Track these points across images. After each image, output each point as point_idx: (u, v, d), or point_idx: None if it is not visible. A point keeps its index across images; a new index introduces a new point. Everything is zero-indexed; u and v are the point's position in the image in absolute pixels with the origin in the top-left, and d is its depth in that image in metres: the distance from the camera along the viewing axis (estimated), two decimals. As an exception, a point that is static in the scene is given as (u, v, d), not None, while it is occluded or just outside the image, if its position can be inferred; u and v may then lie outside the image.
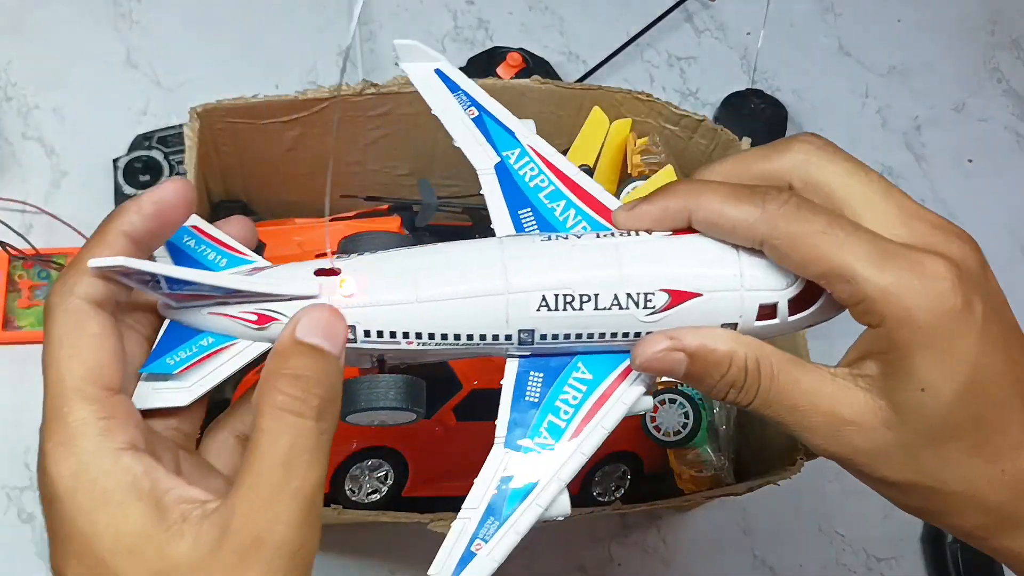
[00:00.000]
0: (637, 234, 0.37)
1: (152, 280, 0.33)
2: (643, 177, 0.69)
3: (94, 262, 0.31)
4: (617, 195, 0.70)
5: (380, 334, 0.35)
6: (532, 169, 0.40)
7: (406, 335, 0.35)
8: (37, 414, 0.79)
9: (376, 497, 0.62)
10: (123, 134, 0.82)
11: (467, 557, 0.33)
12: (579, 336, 0.36)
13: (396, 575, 0.74)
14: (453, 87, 0.42)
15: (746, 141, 0.70)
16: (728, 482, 0.68)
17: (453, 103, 0.42)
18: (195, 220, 0.37)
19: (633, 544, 0.78)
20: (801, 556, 0.80)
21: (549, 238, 0.37)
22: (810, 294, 0.37)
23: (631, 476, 0.71)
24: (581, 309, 0.35)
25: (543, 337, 0.36)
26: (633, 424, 0.70)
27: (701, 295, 0.35)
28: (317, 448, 0.31)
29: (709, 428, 0.69)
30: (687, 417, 0.68)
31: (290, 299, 0.34)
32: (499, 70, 0.86)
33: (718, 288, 0.36)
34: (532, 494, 0.35)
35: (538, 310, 0.35)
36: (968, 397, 0.34)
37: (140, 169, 0.79)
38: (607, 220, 0.39)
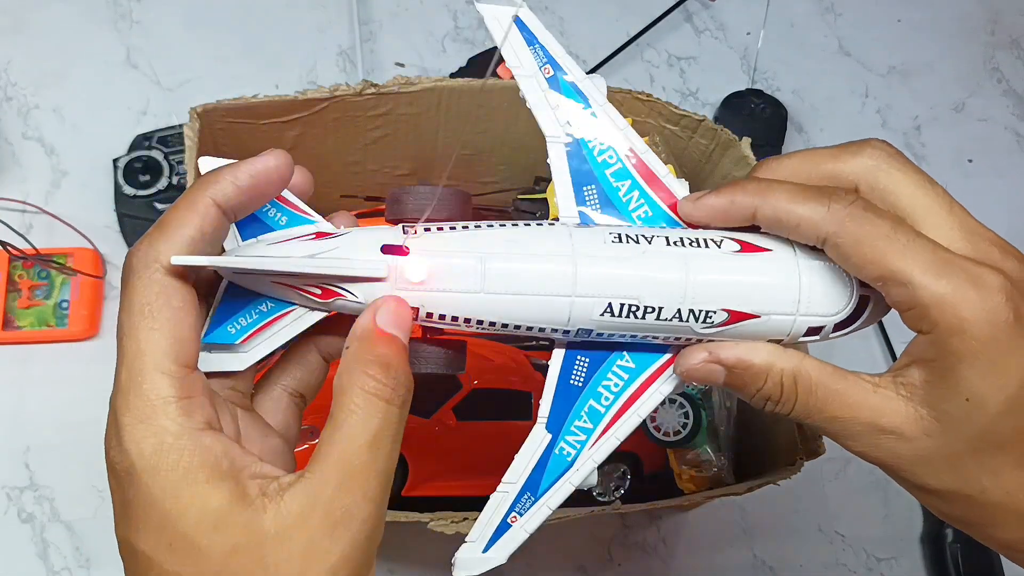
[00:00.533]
0: (707, 245, 0.37)
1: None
2: (643, 177, 0.69)
3: (176, 259, 0.31)
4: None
5: (442, 317, 0.35)
6: (602, 144, 0.39)
7: (467, 321, 0.35)
8: (37, 414, 0.80)
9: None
10: (123, 134, 0.82)
11: (503, 528, 0.34)
12: (633, 336, 0.37)
13: (396, 575, 0.74)
14: (531, 39, 0.39)
15: (746, 141, 0.70)
16: (728, 482, 0.68)
17: (529, 58, 0.39)
18: None
19: (633, 544, 0.78)
20: (801, 556, 0.80)
21: (619, 238, 0.36)
22: (855, 315, 0.38)
23: (631, 476, 0.71)
24: (643, 319, 0.36)
25: (599, 335, 0.37)
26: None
27: (759, 317, 0.36)
28: (398, 434, 0.33)
29: (709, 428, 0.69)
30: (687, 417, 0.68)
31: (359, 280, 0.34)
32: (499, 70, 0.86)
33: (776, 312, 0.36)
34: (567, 473, 0.36)
35: (601, 315, 0.35)
36: (1014, 411, 0.34)
37: (140, 169, 0.79)
38: (668, 205, 0.38)
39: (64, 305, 0.77)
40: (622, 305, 0.35)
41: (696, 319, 0.36)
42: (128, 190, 0.78)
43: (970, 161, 0.97)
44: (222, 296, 0.35)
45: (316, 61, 0.91)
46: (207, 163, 0.36)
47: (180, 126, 0.80)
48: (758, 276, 0.36)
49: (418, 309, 0.35)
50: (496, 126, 0.70)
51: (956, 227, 0.36)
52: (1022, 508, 0.36)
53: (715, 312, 0.36)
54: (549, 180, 0.71)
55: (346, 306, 0.35)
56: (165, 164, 0.79)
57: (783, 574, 0.80)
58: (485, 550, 0.34)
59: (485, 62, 0.88)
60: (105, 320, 0.79)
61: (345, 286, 0.34)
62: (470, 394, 0.64)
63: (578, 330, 0.36)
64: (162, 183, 0.78)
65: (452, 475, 0.65)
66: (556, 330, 0.36)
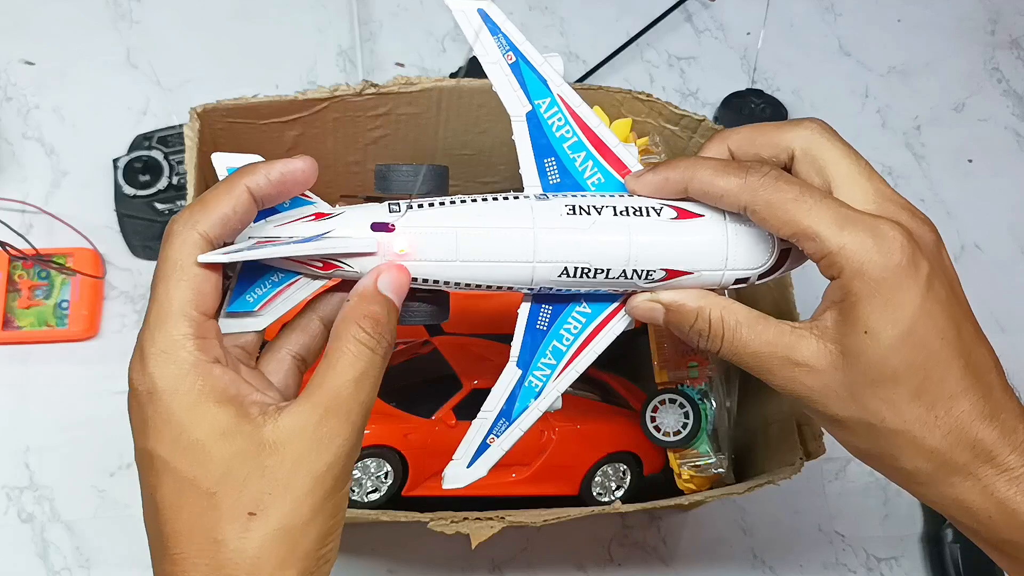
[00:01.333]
0: (647, 214, 0.43)
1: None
2: (643, 177, 0.69)
3: (203, 258, 0.37)
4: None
5: (426, 280, 0.42)
6: (560, 119, 0.44)
7: (447, 283, 0.42)
8: (37, 414, 0.80)
9: (376, 496, 0.62)
10: (123, 134, 0.82)
11: (483, 448, 0.41)
12: (586, 293, 0.44)
13: (395, 574, 0.74)
14: (494, 29, 0.44)
15: (746, 141, 0.70)
16: (728, 482, 0.68)
17: (493, 46, 0.44)
18: (259, 160, 0.42)
19: (633, 544, 0.78)
20: (801, 556, 0.81)
21: (573, 210, 0.42)
22: (777, 265, 0.44)
23: (631, 476, 0.71)
24: (594, 278, 0.42)
25: (559, 290, 0.43)
26: (633, 424, 0.70)
27: (692, 273, 0.43)
28: (378, 378, 0.39)
29: (709, 428, 0.69)
30: (687, 417, 0.68)
31: (353, 256, 0.40)
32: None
33: (706, 268, 0.43)
34: (536, 401, 0.43)
35: (559, 277, 0.42)
36: (907, 344, 0.39)
37: (140, 169, 0.79)
38: (619, 172, 0.45)
39: (64, 305, 0.77)
40: (576, 268, 0.42)
41: (639, 277, 0.42)
42: (128, 190, 0.78)
43: (970, 161, 0.97)
44: (239, 272, 0.41)
45: (316, 61, 0.91)
46: (220, 159, 0.41)
47: (180, 126, 0.80)
48: (691, 239, 0.43)
49: None
50: (496, 126, 0.70)
51: (871, 192, 0.42)
52: (918, 437, 0.40)
53: (655, 271, 0.42)
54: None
55: (345, 274, 0.41)
56: (165, 164, 0.79)
57: (783, 574, 0.80)
58: (468, 466, 0.41)
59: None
60: (105, 320, 0.79)
61: (342, 259, 0.41)
62: (470, 394, 0.64)
63: (540, 288, 0.43)
64: (162, 183, 0.78)
65: (452, 475, 0.65)
66: (522, 288, 0.43)
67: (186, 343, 0.37)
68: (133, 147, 0.80)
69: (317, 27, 0.92)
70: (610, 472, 0.70)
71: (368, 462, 0.61)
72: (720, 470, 0.68)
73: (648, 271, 0.42)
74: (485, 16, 0.44)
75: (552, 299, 0.44)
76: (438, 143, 0.71)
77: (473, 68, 0.88)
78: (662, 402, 0.69)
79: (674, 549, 0.79)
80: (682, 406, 0.68)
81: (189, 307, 0.38)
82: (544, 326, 0.44)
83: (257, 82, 0.87)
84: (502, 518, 0.59)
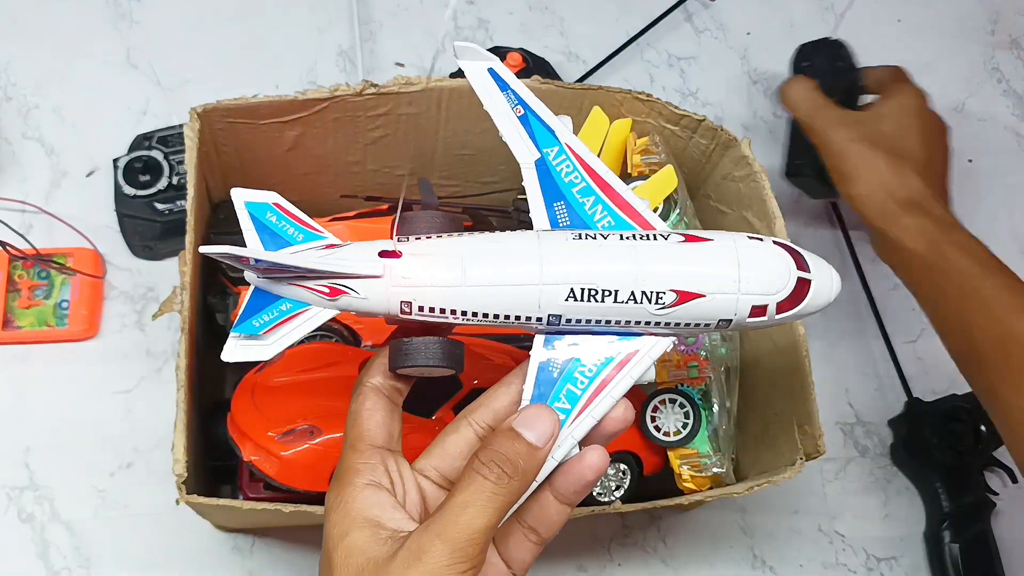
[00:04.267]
0: (655, 239, 0.43)
1: (246, 260, 0.40)
2: (643, 177, 0.69)
3: (202, 249, 0.39)
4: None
5: (432, 310, 0.41)
6: (568, 166, 0.45)
7: (453, 312, 0.41)
8: (37, 414, 0.80)
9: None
10: (123, 134, 0.82)
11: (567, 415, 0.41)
12: (598, 321, 0.42)
13: (396, 575, 0.74)
14: (503, 86, 0.46)
15: (746, 142, 0.70)
16: (728, 482, 0.68)
17: (502, 100, 0.46)
18: (275, 198, 0.44)
19: (633, 544, 0.78)
20: (801, 556, 0.81)
21: (580, 236, 0.42)
22: (796, 296, 0.43)
23: (631, 476, 0.71)
24: (602, 301, 0.41)
25: (568, 320, 0.42)
26: (633, 424, 0.70)
27: (704, 296, 0.42)
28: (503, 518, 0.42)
29: (709, 428, 0.69)
30: (687, 417, 0.68)
31: (359, 277, 0.41)
32: (499, 70, 0.86)
33: (719, 291, 0.42)
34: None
35: (566, 300, 0.41)
36: (898, 122, 0.75)
37: (140, 169, 0.79)
38: (630, 216, 0.45)
39: (64, 305, 0.77)
40: (583, 290, 0.41)
41: (649, 300, 0.41)
42: (128, 190, 0.78)
43: (970, 161, 0.97)
44: (249, 297, 0.42)
45: (316, 61, 0.91)
46: (238, 194, 0.44)
47: (180, 126, 0.80)
48: (701, 260, 0.42)
49: (411, 303, 0.41)
50: (496, 126, 0.70)
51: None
52: (872, 174, 0.72)
53: (665, 293, 0.41)
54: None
55: (351, 304, 0.41)
56: (165, 164, 0.79)
57: (783, 574, 0.80)
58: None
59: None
60: (105, 320, 0.79)
61: (348, 284, 0.41)
62: (470, 394, 0.64)
63: (549, 316, 0.42)
64: (162, 183, 0.78)
65: (452, 475, 0.65)
66: (531, 318, 0.42)
67: (349, 469, 0.43)
68: (133, 147, 0.80)
69: (317, 27, 0.92)
70: (610, 472, 0.70)
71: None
72: (720, 470, 0.68)
73: (658, 293, 0.41)
74: (495, 75, 0.46)
75: (565, 334, 0.43)
76: (438, 143, 0.71)
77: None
78: (662, 402, 0.69)
79: (674, 549, 0.79)
80: (682, 406, 0.68)
81: (357, 441, 0.44)
82: (556, 373, 0.42)
83: (257, 82, 0.87)
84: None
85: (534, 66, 0.87)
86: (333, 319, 0.42)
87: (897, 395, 0.86)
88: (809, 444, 0.64)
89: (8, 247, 0.75)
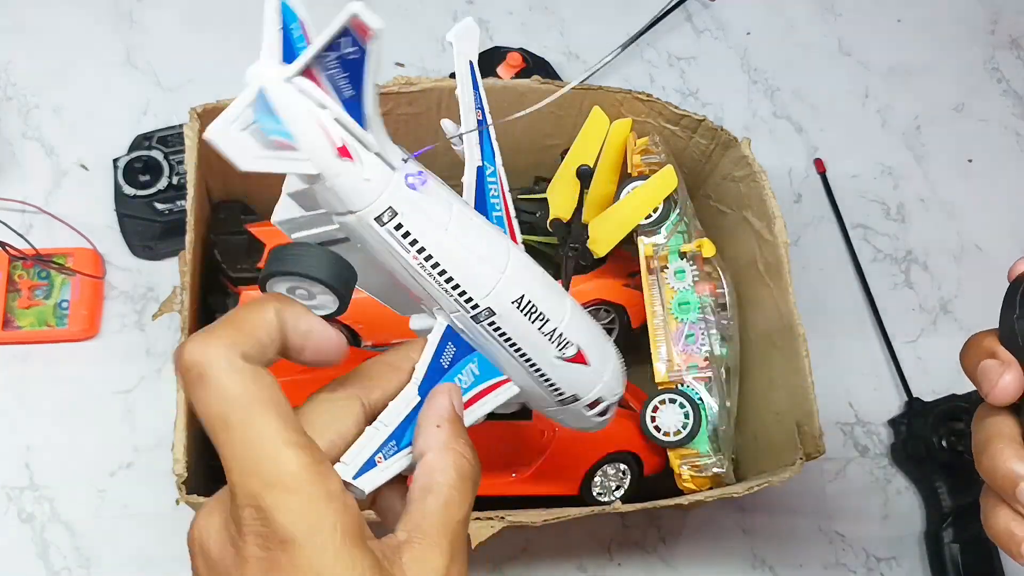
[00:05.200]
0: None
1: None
2: (643, 177, 0.69)
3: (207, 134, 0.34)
4: (617, 195, 0.70)
5: (405, 234, 0.38)
6: (495, 189, 0.46)
7: (421, 250, 0.38)
8: (37, 414, 0.79)
9: (376, 497, 0.62)
10: (123, 134, 0.82)
11: (370, 463, 0.37)
12: (508, 340, 0.42)
13: (396, 575, 0.74)
14: (475, 85, 0.47)
15: (746, 142, 0.70)
16: (728, 482, 0.68)
17: (470, 97, 0.46)
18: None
19: (633, 544, 0.78)
20: (801, 556, 0.81)
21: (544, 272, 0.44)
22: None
23: (631, 476, 0.71)
24: (533, 323, 0.42)
25: (491, 323, 0.41)
26: (633, 424, 0.70)
27: (589, 365, 0.45)
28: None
29: (709, 428, 0.69)
30: (687, 417, 0.68)
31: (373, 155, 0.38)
32: (499, 70, 0.86)
33: (598, 380, 0.46)
34: None
35: (512, 303, 0.41)
36: None
37: (140, 169, 0.79)
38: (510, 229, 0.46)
39: (64, 305, 0.77)
40: (528, 302, 0.41)
41: (558, 345, 0.43)
42: (128, 190, 0.78)
43: (970, 161, 0.97)
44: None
45: (316, 61, 0.91)
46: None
47: (180, 126, 0.80)
48: (600, 340, 0.45)
49: (395, 214, 0.38)
50: (495, 126, 0.69)
51: None
52: None
53: (571, 344, 0.44)
54: (548, 180, 0.71)
55: (345, 180, 0.37)
56: (165, 164, 0.79)
57: (783, 574, 0.80)
58: (354, 477, 0.36)
59: (485, 62, 0.88)
60: (105, 320, 0.79)
61: (361, 146, 0.38)
62: (470, 394, 0.64)
63: (487, 308, 0.40)
64: (162, 183, 0.78)
65: (452, 475, 0.65)
66: (471, 300, 0.40)
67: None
68: (133, 147, 0.80)
69: (317, 27, 0.92)
70: (610, 472, 0.70)
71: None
72: (720, 470, 0.68)
73: (568, 342, 0.43)
74: (472, 70, 0.46)
75: (458, 340, 0.42)
76: (438, 143, 0.71)
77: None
78: (662, 402, 0.69)
79: (674, 549, 0.79)
80: (682, 406, 0.68)
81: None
82: (447, 364, 0.41)
83: (257, 82, 0.87)
84: (502, 518, 0.59)
85: (534, 66, 0.87)
86: (333, 319, 0.39)
87: (897, 395, 0.86)
88: (809, 444, 0.64)
89: (8, 247, 0.75)
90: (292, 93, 0.36)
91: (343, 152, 0.37)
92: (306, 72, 0.37)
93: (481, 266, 0.40)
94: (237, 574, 0.31)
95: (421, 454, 0.37)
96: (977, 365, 0.42)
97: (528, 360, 0.43)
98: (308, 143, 0.36)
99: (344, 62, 0.38)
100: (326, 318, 0.37)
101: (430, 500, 0.35)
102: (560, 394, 0.45)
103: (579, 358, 0.44)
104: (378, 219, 0.37)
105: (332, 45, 0.37)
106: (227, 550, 0.32)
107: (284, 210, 0.42)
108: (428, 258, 0.39)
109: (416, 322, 0.43)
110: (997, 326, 0.42)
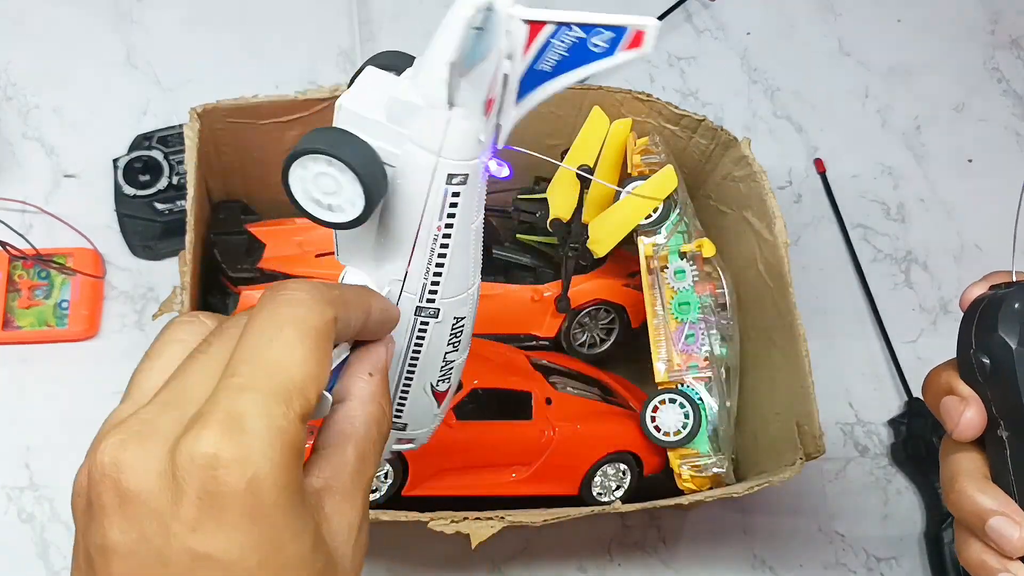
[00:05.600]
0: None
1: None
2: (643, 177, 0.69)
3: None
4: (617, 195, 0.70)
5: (453, 203, 0.37)
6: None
7: (449, 226, 0.37)
8: (37, 414, 0.79)
9: (376, 496, 0.62)
10: (123, 134, 0.82)
11: None
12: (418, 347, 0.41)
13: (395, 574, 0.74)
14: None
15: (746, 142, 0.70)
16: (728, 482, 0.68)
17: None
18: None
19: (633, 544, 0.78)
20: (801, 556, 0.80)
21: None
22: None
23: (631, 476, 0.71)
24: (447, 345, 0.41)
25: (424, 323, 0.40)
26: (633, 424, 0.70)
27: (439, 406, 0.44)
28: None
29: (709, 428, 0.69)
30: (687, 417, 0.68)
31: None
32: (499, 70, 0.86)
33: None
34: None
35: (455, 318, 0.41)
36: None
37: (140, 169, 0.79)
38: None
39: (64, 305, 0.77)
40: (462, 328, 0.41)
41: (442, 376, 0.43)
42: (128, 190, 0.78)
43: (970, 161, 0.97)
44: None
45: (316, 61, 0.91)
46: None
47: (180, 126, 0.80)
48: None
49: (463, 177, 0.37)
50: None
51: None
52: None
53: (447, 382, 0.43)
54: (549, 180, 0.71)
55: (470, 129, 0.36)
56: (165, 164, 0.79)
57: (783, 574, 0.80)
58: None
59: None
60: (105, 320, 0.79)
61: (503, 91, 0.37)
62: (470, 394, 0.64)
63: (433, 309, 0.40)
64: (162, 183, 0.78)
65: (452, 475, 0.65)
66: (435, 293, 0.39)
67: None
68: (133, 147, 0.80)
69: (317, 27, 0.92)
70: (610, 472, 0.70)
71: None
72: (720, 470, 0.68)
73: (449, 379, 0.43)
74: None
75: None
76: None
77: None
78: (662, 402, 0.69)
79: (674, 549, 0.79)
80: (682, 406, 0.68)
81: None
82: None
83: (257, 82, 0.87)
84: (502, 518, 0.59)
85: (534, 66, 0.87)
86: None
87: (897, 395, 0.86)
88: (809, 444, 0.64)
89: (8, 247, 0.75)
90: (510, 22, 0.36)
91: (488, 104, 0.36)
92: (535, 24, 0.35)
93: (463, 273, 0.40)
94: (172, 515, 0.30)
95: (343, 399, 0.35)
96: (939, 402, 0.42)
97: (411, 374, 0.42)
98: (477, 74, 0.36)
99: (577, 46, 0.36)
100: (342, 226, 0.36)
101: (349, 451, 0.34)
102: (399, 416, 0.44)
103: (440, 396, 0.44)
104: (451, 175, 0.36)
105: (591, 27, 0.35)
106: (164, 492, 0.30)
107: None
108: (447, 236, 0.37)
109: (351, 276, 0.40)
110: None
